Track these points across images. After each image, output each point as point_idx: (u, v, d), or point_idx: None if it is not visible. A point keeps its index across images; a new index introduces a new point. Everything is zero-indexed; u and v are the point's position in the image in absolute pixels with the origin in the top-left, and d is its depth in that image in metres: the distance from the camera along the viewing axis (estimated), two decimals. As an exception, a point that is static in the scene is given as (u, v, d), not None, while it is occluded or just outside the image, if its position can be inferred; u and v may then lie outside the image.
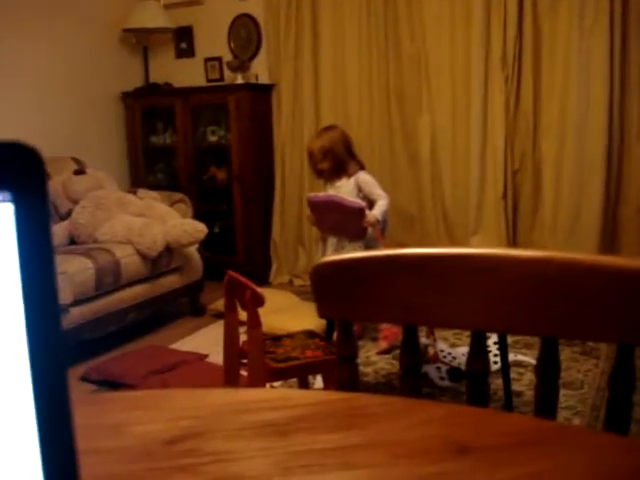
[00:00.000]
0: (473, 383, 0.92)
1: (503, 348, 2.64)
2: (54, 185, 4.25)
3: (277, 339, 2.71)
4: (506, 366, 2.68)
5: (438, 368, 3.11)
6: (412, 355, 0.95)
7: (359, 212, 3.39)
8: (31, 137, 4.01)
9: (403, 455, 0.67)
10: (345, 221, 3.47)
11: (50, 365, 0.37)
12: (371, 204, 3.55)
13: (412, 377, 0.96)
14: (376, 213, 3.48)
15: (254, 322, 2.35)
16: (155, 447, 0.71)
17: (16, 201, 0.34)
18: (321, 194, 3.61)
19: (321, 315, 0.97)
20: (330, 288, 0.96)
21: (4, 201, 0.34)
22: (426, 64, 4.65)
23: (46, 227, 0.35)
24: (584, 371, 3.31)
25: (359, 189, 3.61)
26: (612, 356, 2.88)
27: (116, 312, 3.78)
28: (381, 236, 3.50)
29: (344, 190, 3.59)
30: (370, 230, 3.47)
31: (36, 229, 0.34)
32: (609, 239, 4.37)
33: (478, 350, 0.92)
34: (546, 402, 0.89)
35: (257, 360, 2.37)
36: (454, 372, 3.07)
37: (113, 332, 3.81)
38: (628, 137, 4.26)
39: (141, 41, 5.46)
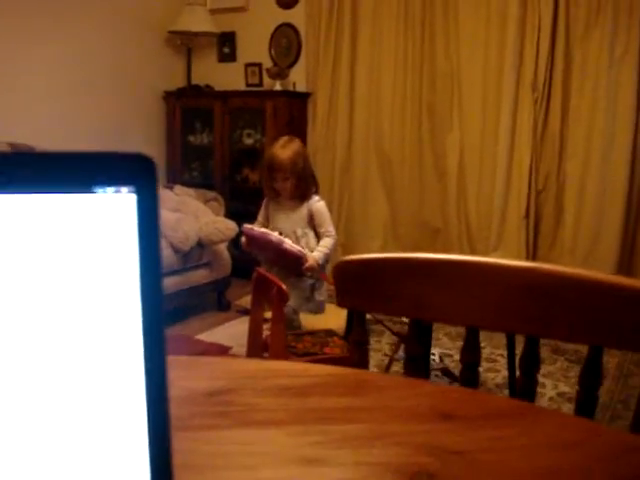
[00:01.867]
0: (465, 371, 1.08)
1: (511, 346, 2.79)
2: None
3: (299, 335, 2.87)
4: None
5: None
6: (417, 345, 1.11)
7: (298, 259, 3.02)
8: (76, 132, 4.24)
9: (397, 416, 0.83)
10: (283, 261, 3.09)
11: (155, 327, 0.53)
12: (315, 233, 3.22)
13: (415, 363, 1.12)
14: (317, 257, 3.09)
15: (278, 317, 2.52)
16: (197, 397, 0.88)
17: (138, 193, 0.50)
18: (256, 229, 3.10)
19: (340, 304, 1.13)
20: (349, 283, 1.13)
21: (130, 192, 0.50)
22: (459, 82, 4.80)
23: (156, 212, 0.51)
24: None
25: (310, 217, 3.19)
26: (618, 375, 3.04)
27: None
28: (324, 276, 3.19)
29: (296, 217, 3.19)
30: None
31: (150, 213, 0.51)
32: (627, 264, 4.49)
33: (472, 344, 1.08)
34: (526, 390, 1.04)
35: (279, 353, 2.53)
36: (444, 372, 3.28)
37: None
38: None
39: (186, 43, 5.67)
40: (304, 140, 5.41)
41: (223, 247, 4.51)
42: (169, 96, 5.61)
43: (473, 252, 4.87)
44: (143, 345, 0.52)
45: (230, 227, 4.28)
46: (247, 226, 3.14)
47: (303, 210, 3.18)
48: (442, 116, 4.92)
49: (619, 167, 4.35)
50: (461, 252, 4.91)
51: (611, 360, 3.85)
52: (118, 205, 0.50)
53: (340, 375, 0.97)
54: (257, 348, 2.70)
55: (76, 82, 4.87)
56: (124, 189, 0.51)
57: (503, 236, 4.75)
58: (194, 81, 5.71)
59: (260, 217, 3.33)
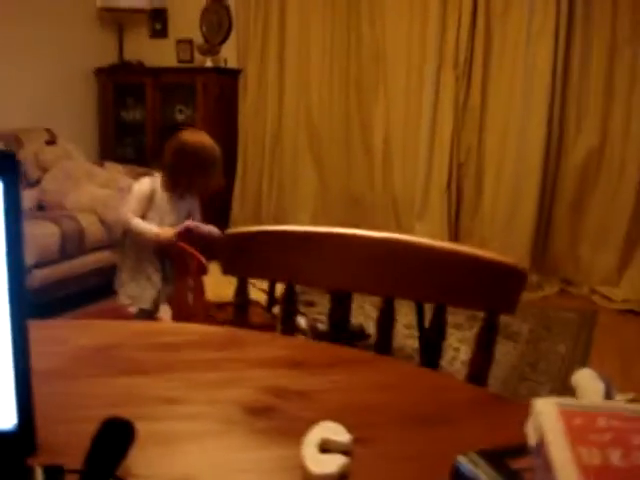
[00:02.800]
0: (334, 330, 1.24)
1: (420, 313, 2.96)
2: (26, 153, 4.49)
3: (221, 305, 3.01)
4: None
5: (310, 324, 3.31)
6: (289, 305, 1.27)
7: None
8: (8, 106, 4.26)
9: (254, 365, 0.98)
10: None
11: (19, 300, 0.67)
12: None
13: (289, 322, 1.27)
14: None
15: (199, 288, 2.66)
16: (88, 353, 1.02)
17: (4, 182, 0.64)
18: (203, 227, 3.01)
19: (225, 272, 1.28)
20: (233, 253, 1.27)
21: (-5, 183, 0.64)
22: (384, 58, 4.95)
23: (19, 196, 0.64)
24: (503, 352, 3.66)
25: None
26: (529, 339, 3.25)
27: (79, 275, 4.06)
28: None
29: (182, 209, 3.18)
30: None
31: (14, 197, 0.64)
32: (543, 231, 4.73)
33: (338, 305, 1.24)
34: (383, 345, 1.21)
35: (198, 322, 2.67)
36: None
37: (75, 294, 4.08)
38: (566, 139, 4.61)
39: (117, 20, 5.69)
40: (235, 116, 5.52)
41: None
42: (100, 73, 5.63)
43: (398, 223, 5.06)
44: (9, 310, 0.65)
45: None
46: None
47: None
48: (368, 91, 5.07)
49: (535, 140, 4.56)
50: (387, 223, 5.10)
51: (524, 325, 4.09)
52: (-14, 193, 0.64)
53: (213, 333, 1.12)
54: (181, 318, 2.83)
55: (8, 58, 4.87)
56: (-9, 180, 0.64)
57: (427, 207, 4.94)
58: (126, 57, 5.74)
59: (138, 209, 2.99)
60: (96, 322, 1.18)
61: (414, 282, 1.15)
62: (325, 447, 0.73)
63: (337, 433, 0.75)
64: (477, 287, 1.09)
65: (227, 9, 5.48)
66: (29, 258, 3.66)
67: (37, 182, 4.43)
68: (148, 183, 3.02)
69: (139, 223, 2.92)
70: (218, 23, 5.56)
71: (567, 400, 0.50)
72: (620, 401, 2.68)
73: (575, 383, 3.08)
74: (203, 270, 2.61)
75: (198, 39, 5.57)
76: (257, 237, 1.25)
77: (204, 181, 3.08)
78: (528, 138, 4.58)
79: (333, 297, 1.23)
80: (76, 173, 4.35)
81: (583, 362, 3.54)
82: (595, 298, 4.58)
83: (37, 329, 1.12)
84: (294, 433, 0.77)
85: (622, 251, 4.52)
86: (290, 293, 1.26)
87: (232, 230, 1.28)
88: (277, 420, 0.82)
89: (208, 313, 2.80)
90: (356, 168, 5.19)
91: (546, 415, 0.48)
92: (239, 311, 1.28)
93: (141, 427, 0.77)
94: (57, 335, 1.08)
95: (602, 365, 3.49)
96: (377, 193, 5.12)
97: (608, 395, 2.91)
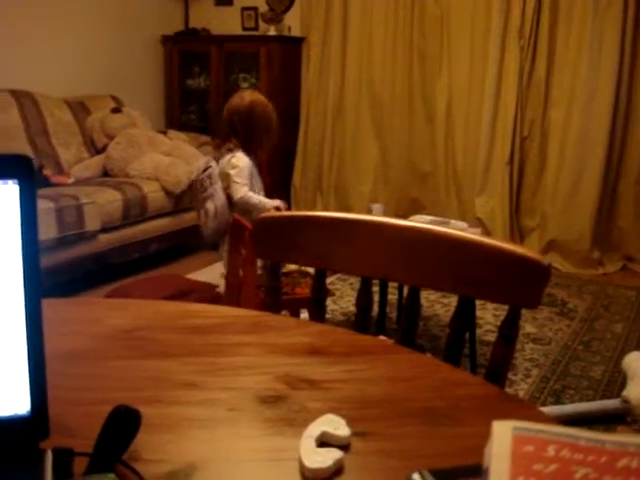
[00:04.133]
0: (359, 315, 1.27)
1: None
2: (92, 121, 4.61)
3: (286, 274, 3.06)
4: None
5: None
6: (319, 291, 1.29)
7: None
8: (74, 75, 4.40)
9: (274, 352, 1.02)
10: None
11: (34, 287, 0.71)
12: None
13: (319, 307, 1.30)
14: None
15: (250, 259, 2.70)
16: (118, 334, 1.07)
17: (20, 184, 0.68)
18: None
19: (259, 256, 1.31)
20: (265, 236, 1.31)
21: (14, 184, 0.68)
22: (448, 27, 4.88)
23: (34, 197, 0.68)
24: (555, 330, 3.63)
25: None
26: (585, 318, 3.23)
27: (140, 241, 4.18)
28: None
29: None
30: None
31: (30, 198, 0.68)
32: (607, 208, 4.64)
33: (365, 291, 1.26)
34: (408, 332, 1.23)
35: (250, 293, 2.73)
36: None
37: (137, 259, 4.21)
38: (634, 114, 4.49)
39: (184, -13, 5.75)
40: (298, 85, 5.54)
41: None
42: (167, 40, 5.72)
43: (459, 196, 5.02)
44: (24, 293, 0.69)
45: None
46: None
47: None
48: (432, 62, 5.01)
49: (601, 116, 4.45)
50: (447, 195, 5.07)
51: (581, 303, 4.03)
52: (6, 193, 0.68)
53: (242, 316, 1.16)
54: (234, 288, 2.89)
55: (76, 28, 4.98)
56: (10, 181, 0.68)
57: (488, 181, 4.89)
58: (192, 25, 5.81)
59: (249, 184, 3.11)
60: (131, 302, 1.23)
61: (440, 273, 1.17)
62: (324, 440, 0.76)
63: (337, 427, 0.78)
64: (501, 280, 1.10)
65: (292, -24, 5.47)
66: (94, 223, 3.78)
67: (103, 149, 4.55)
68: (244, 157, 3.09)
69: (260, 199, 3.09)
70: (283, -10, 5.55)
71: (525, 424, 0.51)
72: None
73: (625, 366, 3.05)
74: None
75: (263, 7, 5.59)
76: (289, 223, 1.28)
77: (272, 138, 3.20)
78: (593, 113, 4.47)
79: (362, 283, 1.25)
80: (140, 141, 4.45)
81: (639, 343, 3.48)
82: (658, 277, 4.48)
83: (75, 306, 1.19)
84: (299, 424, 0.80)
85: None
86: (320, 279, 1.29)
87: (265, 215, 1.31)
88: (285, 410, 0.85)
89: (259, 284, 2.85)
90: (418, 140, 5.16)
91: (500, 439, 0.49)
92: (271, 294, 1.31)
93: (156, 411, 0.82)
94: (92, 314, 1.14)
95: (659, 347, 3.43)
96: (438, 165, 5.08)
97: (656, 380, 2.82)
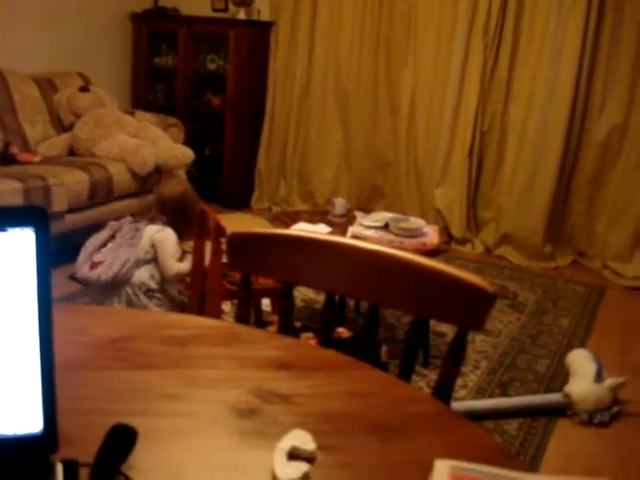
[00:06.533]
0: (323, 328, 1.39)
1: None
2: (60, 99, 4.64)
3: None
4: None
5: None
6: (287, 304, 1.41)
7: None
8: (42, 52, 4.42)
9: (247, 365, 1.13)
10: None
11: (46, 314, 0.81)
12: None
13: (287, 318, 1.42)
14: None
15: (216, 250, 2.80)
16: (103, 344, 1.17)
17: (35, 231, 0.78)
18: None
19: (231, 268, 1.42)
20: (238, 250, 1.41)
21: (31, 230, 0.78)
22: (415, 21, 4.99)
23: (48, 243, 0.78)
24: (506, 322, 3.80)
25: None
26: (534, 311, 3.39)
27: (107, 221, 4.23)
28: None
29: None
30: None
31: (44, 243, 0.78)
32: (560, 204, 4.82)
33: (330, 306, 1.38)
34: (368, 349, 1.35)
35: (215, 283, 2.83)
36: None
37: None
38: (590, 114, 4.65)
39: (154, -36, 5.75)
40: (265, 69, 5.60)
41: (181, 172, 4.75)
42: (135, 18, 5.72)
43: (419, 186, 5.16)
44: (38, 325, 0.80)
45: (187, 154, 4.52)
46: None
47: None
48: (398, 52, 5.12)
49: (559, 114, 4.61)
50: (408, 184, 5.21)
51: (531, 296, 4.22)
52: (22, 238, 0.78)
53: (217, 328, 1.27)
54: (199, 276, 2.99)
55: (45, 4, 4.97)
56: (26, 228, 0.78)
57: (447, 172, 5.03)
58: (161, 3, 5.82)
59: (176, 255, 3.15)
60: (115, 310, 1.33)
61: (397, 293, 1.29)
62: (293, 454, 0.88)
63: (305, 441, 0.90)
64: (450, 303, 1.22)
65: (263, -40, 5.51)
66: (62, 204, 3.83)
67: (70, 127, 4.59)
68: (172, 233, 3.09)
69: (188, 264, 3.06)
70: (253, -26, 5.58)
71: (464, 464, 0.63)
72: (609, 383, 2.77)
73: (569, 362, 3.25)
74: (221, 232, 2.75)
75: (233, -12, 5.62)
76: (260, 240, 1.39)
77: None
78: (552, 111, 4.63)
79: (327, 298, 1.37)
80: (107, 121, 4.49)
81: (584, 338, 3.67)
82: (605, 273, 4.69)
83: (62, 314, 1.28)
84: (271, 437, 0.92)
85: (637, 228, 4.60)
86: (287, 294, 1.40)
87: (237, 231, 1.41)
88: (259, 423, 0.97)
89: (223, 273, 2.95)
90: (381, 129, 5.28)
91: (439, 475, 0.61)
92: (242, 304, 1.42)
93: (142, 422, 0.93)
94: (76, 322, 1.24)
95: (602, 343, 3.62)
96: (400, 155, 5.21)
97: (599, 376, 3.07)
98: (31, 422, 0.80)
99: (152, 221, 3.11)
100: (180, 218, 3.15)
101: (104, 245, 3.11)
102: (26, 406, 0.80)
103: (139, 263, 3.03)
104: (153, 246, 3.04)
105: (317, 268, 1.35)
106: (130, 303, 3.03)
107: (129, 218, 3.17)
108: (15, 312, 0.79)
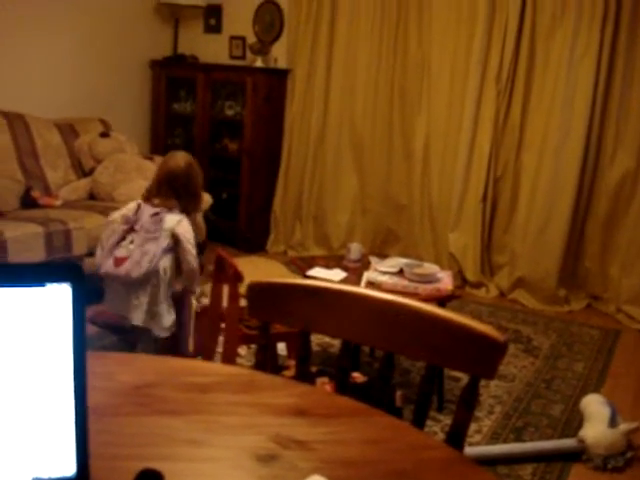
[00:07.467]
0: (339, 374, 1.43)
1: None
2: (81, 144, 4.75)
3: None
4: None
5: None
6: (304, 351, 1.46)
7: None
8: (64, 98, 4.55)
9: (266, 412, 1.17)
10: None
11: (80, 366, 0.86)
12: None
13: (304, 365, 1.46)
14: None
15: (234, 295, 2.86)
16: (128, 390, 1.22)
17: (72, 286, 0.83)
18: None
19: (250, 315, 1.47)
20: (257, 299, 1.47)
21: (68, 285, 0.83)
22: (429, 71, 5.09)
23: (84, 297, 0.84)
24: (520, 367, 3.81)
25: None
26: (549, 356, 3.41)
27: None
28: None
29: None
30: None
31: (79, 298, 0.84)
32: (574, 248, 4.85)
33: (346, 353, 1.43)
34: (382, 392, 1.39)
35: (233, 327, 2.88)
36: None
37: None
38: (602, 160, 4.71)
39: (173, 14, 5.91)
40: (282, 115, 5.71)
41: (199, 215, 4.83)
42: (155, 64, 5.87)
43: (433, 230, 5.22)
44: (73, 374, 0.85)
45: (205, 199, 4.60)
46: None
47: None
48: (412, 100, 5.22)
49: (571, 160, 4.67)
50: (422, 228, 5.26)
51: (545, 340, 4.23)
52: (60, 293, 0.84)
53: (237, 375, 1.32)
54: (216, 319, 3.05)
55: (67, 51, 5.13)
56: (64, 284, 0.84)
57: (461, 217, 5.09)
58: (180, 51, 5.97)
59: None
60: (139, 357, 1.38)
61: (411, 342, 1.33)
62: (312, 499, 0.92)
63: (323, 488, 0.94)
64: (462, 353, 1.26)
65: (280, 9, 5.66)
66: (82, 248, 3.91)
67: (90, 172, 4.69)
68: (188, 222, 3.14)
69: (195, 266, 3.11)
70: (270, 23, 5.74)
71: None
72: (623, 428, 2.82)
73: (583, 407, 3.25)
74: (239, 277, 2.80)
75: (251, 37, 5.78)
76: (278, 289, 1.44)
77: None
78: (565, 157, 4.69)
79: (343, 346, 1.42)
80: (127, 166, 4.60)
81: (599, 383, 3.68)
82: (620, 317, 4.70)
83: (89, 360, 1.33)
84: (290, 483, 0.97)
85: (651, 272, 4.62)
86: (305, 341, 1.45)
87: (257, 280, 1.47)
88: (278, 468, 1.01)
89: (241, 318, 3.00)
90: (396, 175, 5.36)
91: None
92: (261, 351, 1.47)
93: (167, 467, 0.97)
94: (103, 369, 1.29)
95: (616, 387, 3.63)
96: (415, 200, 5.28)
97: (613, 422, 3.08)
98: (65, 466, 0.84)
99: (170, 210, 3.11)
100: (187, 195, 3.17)
101: (123, 239, 3.08)
102: (60, 450, 0.84)
103: (164, 253, 3.05)
104: (174, 236, 3.06)
105: (333, 317, 1.40)
106: (154, 296, 3.05)
107: (146, 209, 3.09)
108: (51, 361, 0.84)
